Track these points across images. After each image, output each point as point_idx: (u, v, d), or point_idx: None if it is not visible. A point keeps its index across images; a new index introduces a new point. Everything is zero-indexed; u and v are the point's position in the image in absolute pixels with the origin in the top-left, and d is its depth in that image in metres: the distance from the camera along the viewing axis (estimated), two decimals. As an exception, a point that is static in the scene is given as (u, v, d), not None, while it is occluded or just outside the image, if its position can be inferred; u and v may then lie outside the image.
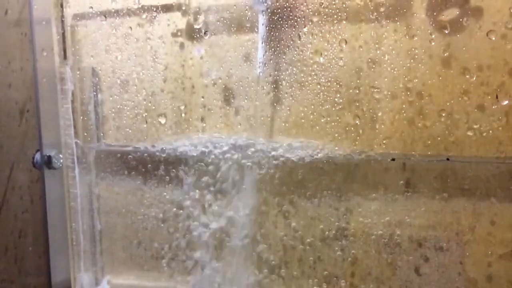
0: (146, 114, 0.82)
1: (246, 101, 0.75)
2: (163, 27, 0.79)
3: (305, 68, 0.71)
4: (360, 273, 0.73)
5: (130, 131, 0.83)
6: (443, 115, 0.65)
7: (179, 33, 0.78)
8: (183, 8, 0.77)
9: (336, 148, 0.71)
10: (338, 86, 0.69)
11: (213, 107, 0.77)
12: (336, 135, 0.71)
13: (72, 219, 0.87)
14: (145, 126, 0.82)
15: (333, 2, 0.68)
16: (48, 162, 0.83)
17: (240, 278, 0.79)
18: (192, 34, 0.77)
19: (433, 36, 0.64)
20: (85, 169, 0.87)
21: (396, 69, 0.66)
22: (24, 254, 0.81)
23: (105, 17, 0.81)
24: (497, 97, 0.62)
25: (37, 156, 0.83)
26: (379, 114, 0.68)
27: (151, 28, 0.79)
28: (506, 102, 0.62)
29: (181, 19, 0.77)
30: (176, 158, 0.80)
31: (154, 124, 0.81)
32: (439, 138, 0.66)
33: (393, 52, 0.66)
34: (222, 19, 0.74)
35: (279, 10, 0.70)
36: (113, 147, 0.85)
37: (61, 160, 0.85)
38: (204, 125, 0.78)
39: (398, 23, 0.66)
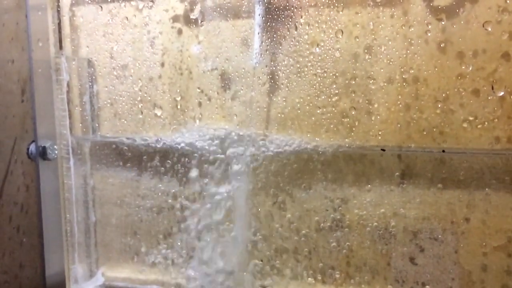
0: (142, 105, 0.81)
1: (242, 91, 0.75)
2: (161, 14, 0.78)
3: (301, 59, 0.70)
4: (355, 263, 0.73)
5: (125, 121, 0.83)
6: (439, 106, 0.65)
7: (175, 21, 0.78)
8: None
9: (332, 139, 0.71)
10: (334, 76, 0.69)
11: (209, 97, 0.77)
12: (332, 126, 0.70)
13: (66, 211, 0.87)
14: (140, 116, 0.82)
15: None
16: (43, 153, 0.83)
17: (236, 269, 0.79)
18: (189, 23, 0.77)
19: (429, 27, 0.64)
20: (80, 160, 0.87)
21: (392, 59, 0.66)
22: (18, 246, 0.80)
23: (101, 7, 0.81)
24: (492, 88, 0.63)
25: (32, 147, 0.82)
26: (375, 105, 0.68)
27: (148, 18, 0.79)
28: (501, 93, 0.62)
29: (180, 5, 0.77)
30: (172, 148, 0.80)
31: (149, 114, 0.81)
32: (434, 130, 0.66)
33: (389, 42, 0.66)
34: (218, 9, 0.74)
35: (275, 0, 0.70)
36: (108, 138, 0.84)
37: (56, 151, 0.85)
38: (200, 115, 0.78)
39: (394, 11, 0.66)
